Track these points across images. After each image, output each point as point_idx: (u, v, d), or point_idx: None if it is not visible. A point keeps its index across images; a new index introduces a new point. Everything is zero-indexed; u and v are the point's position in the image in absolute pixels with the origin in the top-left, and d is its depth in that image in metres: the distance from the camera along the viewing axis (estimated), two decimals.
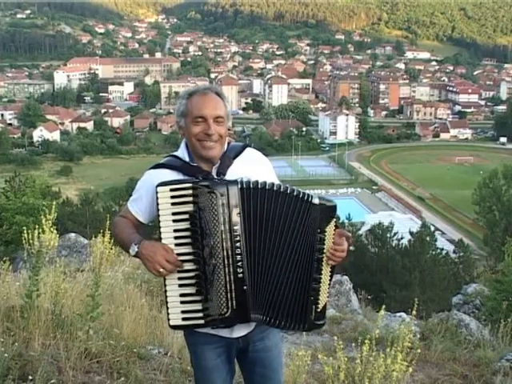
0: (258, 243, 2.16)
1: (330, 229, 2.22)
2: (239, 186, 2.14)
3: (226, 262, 2.14)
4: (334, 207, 2.21)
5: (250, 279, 2.17)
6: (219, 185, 2.13)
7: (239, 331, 2.29)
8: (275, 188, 2.15)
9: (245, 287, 2.16)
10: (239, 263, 2.15)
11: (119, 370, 3.58)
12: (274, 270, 2.18)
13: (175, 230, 2.15)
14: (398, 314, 6.24)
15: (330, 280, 2.29)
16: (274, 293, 2.19)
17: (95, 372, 3.53)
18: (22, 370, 3.29)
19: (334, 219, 2.23)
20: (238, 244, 2.14)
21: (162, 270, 2.13)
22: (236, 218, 2.13)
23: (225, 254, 2.14)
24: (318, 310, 2.23)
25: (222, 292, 2.15)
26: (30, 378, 3.20)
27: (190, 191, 2.13)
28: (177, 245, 2.16)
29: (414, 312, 3.66)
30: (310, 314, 2.22)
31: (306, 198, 2.17)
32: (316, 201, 2.17)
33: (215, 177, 2.23)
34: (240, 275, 2.15)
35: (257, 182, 2.16)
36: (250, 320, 2.22)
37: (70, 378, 3.34)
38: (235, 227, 2.13)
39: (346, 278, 7.67)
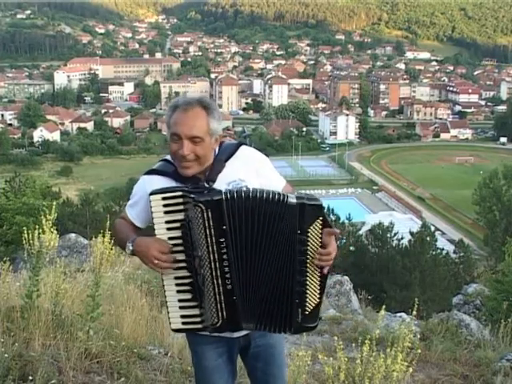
0: (244, 253, 2.15)
1: (315, 228, 2.15)
2: (223, 197, 2.11)
3: (214, 274, 2.14)
4: (317, 206, 2.14)
5: (239, 290, 2.16)
6: (204, 196, 2.11)
7: (240, 331, 2.29)
8: (258, 195, 2.12)
9: (234, 298, 2.16)
10: (227, 275, 2.14)
11: (119, 371, 3.58)
12: (261, 277, 2.17)
13: (169, 238, 2.16)
14: (399, 314, 6.24)
15: (323, 281, 2.23)
16: (262, 300, 2.19)
17: (95, 372, 3.53)
18: (22, 370, 3.29)
19: (320, 218, 2.15)
20: (225, 256, 2.13)
21: (157, 262, 2.14)
22: (222, 231, 2.12)
23: (212, 265, 2.13)
24: (306, 312, 2.20)
25: (212, 303, 2.16)
26: (31, 378, 3.19)
27: (181, 199, 2.13)
28: (172, 252, 2.17)
29: (414, 312, 3.65)
30: (295, 317, 2.20)
31: (280, 199, 2.12)
32: (292, 201, 2.12)
33: (205, 185, 2.20)
34: (229, 286, 2.15)
35: (241, 190, 2.13)
36: (243, 329, 2.23)
37: (71, 378, 3.34)
38: (221, 239, 2.12)
39: (346, 278, 7.68)
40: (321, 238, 2.16)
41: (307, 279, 2.18)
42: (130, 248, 2.20)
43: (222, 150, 2.29)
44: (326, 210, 2.28)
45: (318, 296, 2.23)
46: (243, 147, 2.33)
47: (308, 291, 2.19)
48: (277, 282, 2.17)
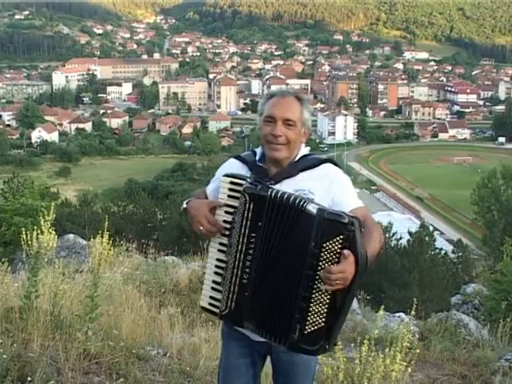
0: (267, 254, 2.16)
1: (332, 246, 1.99)
2: (268, 195, 2.13)
3: (235, 264, 2.19)
4: (338, 222, 1.97)
5: (253, 287, 2.17)
6: (253, 189, 2.17)
7: (256, 335, 2.28)
8: (295, 200, 2.11)
9: (246, 293, 2.18)
10: (247, 269, 2.17)
11: (118, 371, 3.58)
12: (273, 281, 2.15)
13: (224, 221, 2.25)
14: (397, 314, 6.24)
15: (332, 304, 2.03)
16: (267, 304, 2.16)
17: (94, 373, 3.53)
18: (21, 371, 3.29)
19: (341, 236, 1.98)
20: (250, 251, 2.16)
21: (201, 228, 2.22)
22: (256, 226, 2.15)
23: (237, 256, 2.18)
24: (305, 332, 2.05)
25: (226, 290, 2.21)
26: (29, 379, 3.19)
27: (241, 188, 2.20)
28: (221, 234, 2.25)
29: (413, 312, 3.66)
30: (292, 333, 2.07)
31: (300, 204, 2.08)
32: (312, 210, 2.05)
33: (266, 181, 2.23)
34: (244, 280, 2.18)
35: (288, 194, 2.12)
36: (243, 326, 2.23)
37: (69, 378, 3.34)
38: (253, 234, 2.16)
39: None
40: (338, 257, 2.00)
41: (313, 296, 2.03)
42: (184, 206, 2.34)
43: (303, 160, 2.32)
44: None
45: (322, 319, 2.05)
46: (327, 164, 2.31)
47: (311, 309, 2.04)
48: (284, 290, 2.12)
